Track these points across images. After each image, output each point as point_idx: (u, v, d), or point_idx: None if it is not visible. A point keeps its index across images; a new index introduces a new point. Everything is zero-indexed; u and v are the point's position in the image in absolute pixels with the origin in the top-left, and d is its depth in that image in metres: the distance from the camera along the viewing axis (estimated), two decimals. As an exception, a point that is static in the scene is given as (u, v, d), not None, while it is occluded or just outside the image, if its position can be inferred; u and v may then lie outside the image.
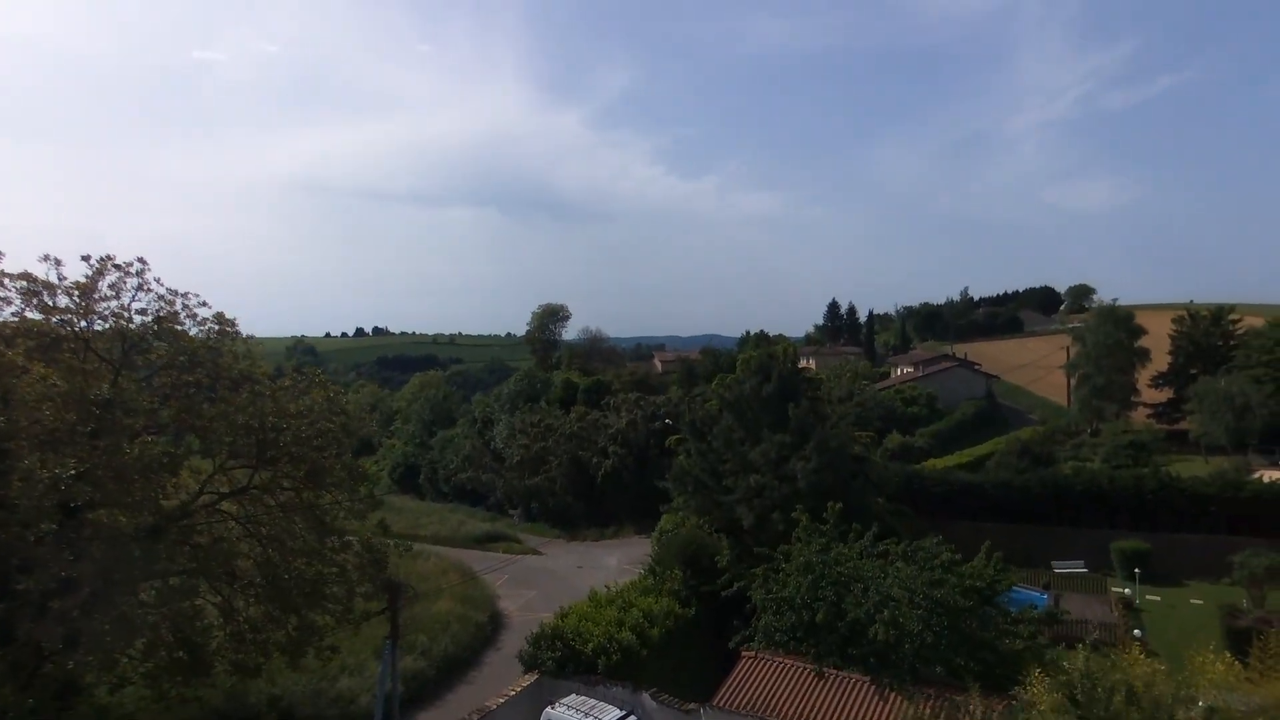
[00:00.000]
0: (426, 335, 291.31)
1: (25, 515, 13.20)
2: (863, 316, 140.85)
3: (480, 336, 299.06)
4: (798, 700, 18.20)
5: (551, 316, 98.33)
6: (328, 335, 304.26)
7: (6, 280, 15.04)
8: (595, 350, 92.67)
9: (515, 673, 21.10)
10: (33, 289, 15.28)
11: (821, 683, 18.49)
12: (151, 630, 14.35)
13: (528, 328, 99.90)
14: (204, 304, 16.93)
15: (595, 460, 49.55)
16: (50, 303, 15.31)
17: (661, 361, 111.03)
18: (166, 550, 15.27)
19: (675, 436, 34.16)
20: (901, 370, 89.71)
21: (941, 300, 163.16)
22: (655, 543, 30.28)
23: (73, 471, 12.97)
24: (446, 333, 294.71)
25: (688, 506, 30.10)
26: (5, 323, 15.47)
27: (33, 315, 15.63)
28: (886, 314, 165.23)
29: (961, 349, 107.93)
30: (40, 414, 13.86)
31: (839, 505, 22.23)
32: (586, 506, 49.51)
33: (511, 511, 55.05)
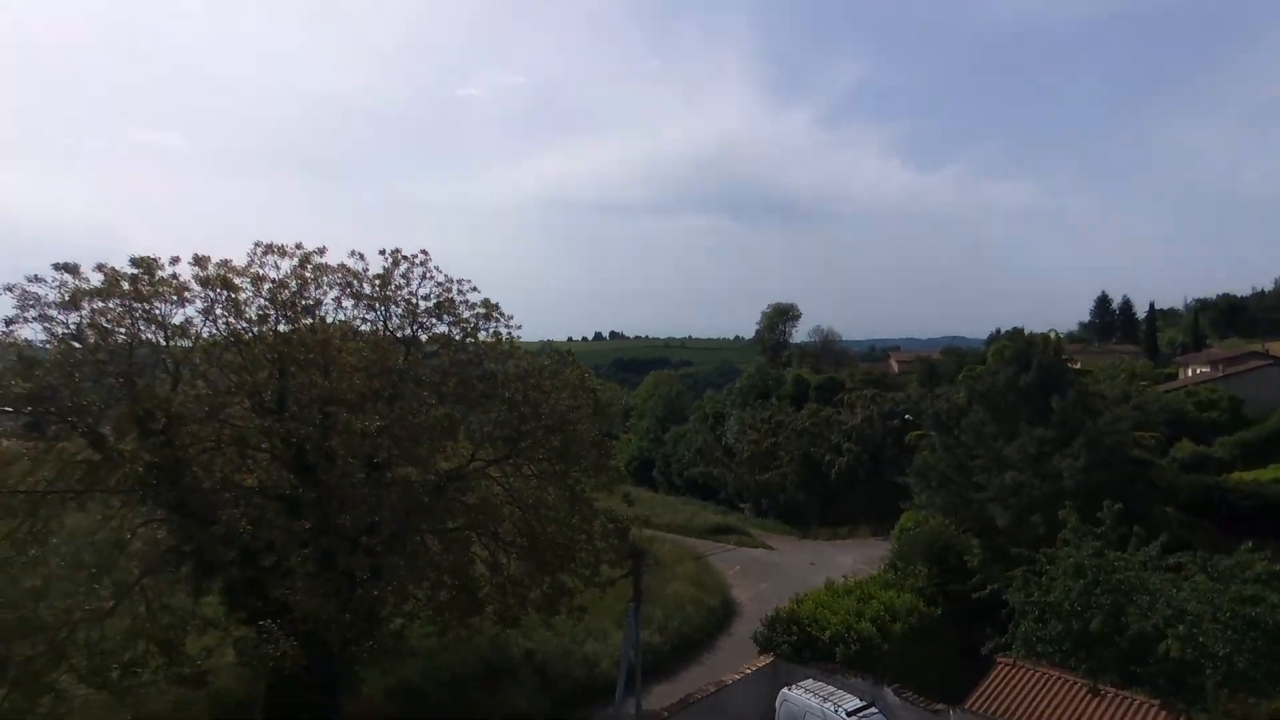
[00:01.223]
0: (659, 339, 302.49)
1: (343, 466, 15.74)
2: (1140, 311, 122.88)
3: (709, 340, 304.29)
4: (1066, 717, 16.32)
5: (782, 316, 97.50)
6: (569, 339, 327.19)
7: (328, 272, 18.02)
8: (826, 350, 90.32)
9: (747, 657, 21.20)
10: (346, 278, 18.14)
11: (1097, 701, 16.40)
12: (435, 571, 16.38)
13: (757, 328, 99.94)
14: (474, 289, 19.01)
15: (828, 457, 48.26)
16: (358, 289, 18.07)
17: (898, 362, 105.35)
18: (446, 505, 17.36)
19: (916, 432, 32.31)
20: (1194, 370, 76.89)
21: (1246, 292, 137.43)
22: (895, 540, 28.80)
23: (377, 424, 15.19)
24: (678, 336, 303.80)
25: (931, 504, 28.27)
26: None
27: (347, 301, 18.58)
28: (1172, 309, 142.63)
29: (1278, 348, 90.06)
30: (353, 381, 16.41)
31: (1117, 506, 19.59)
32: (819, 504, 48.35)
33: (742, 505, 55.32)
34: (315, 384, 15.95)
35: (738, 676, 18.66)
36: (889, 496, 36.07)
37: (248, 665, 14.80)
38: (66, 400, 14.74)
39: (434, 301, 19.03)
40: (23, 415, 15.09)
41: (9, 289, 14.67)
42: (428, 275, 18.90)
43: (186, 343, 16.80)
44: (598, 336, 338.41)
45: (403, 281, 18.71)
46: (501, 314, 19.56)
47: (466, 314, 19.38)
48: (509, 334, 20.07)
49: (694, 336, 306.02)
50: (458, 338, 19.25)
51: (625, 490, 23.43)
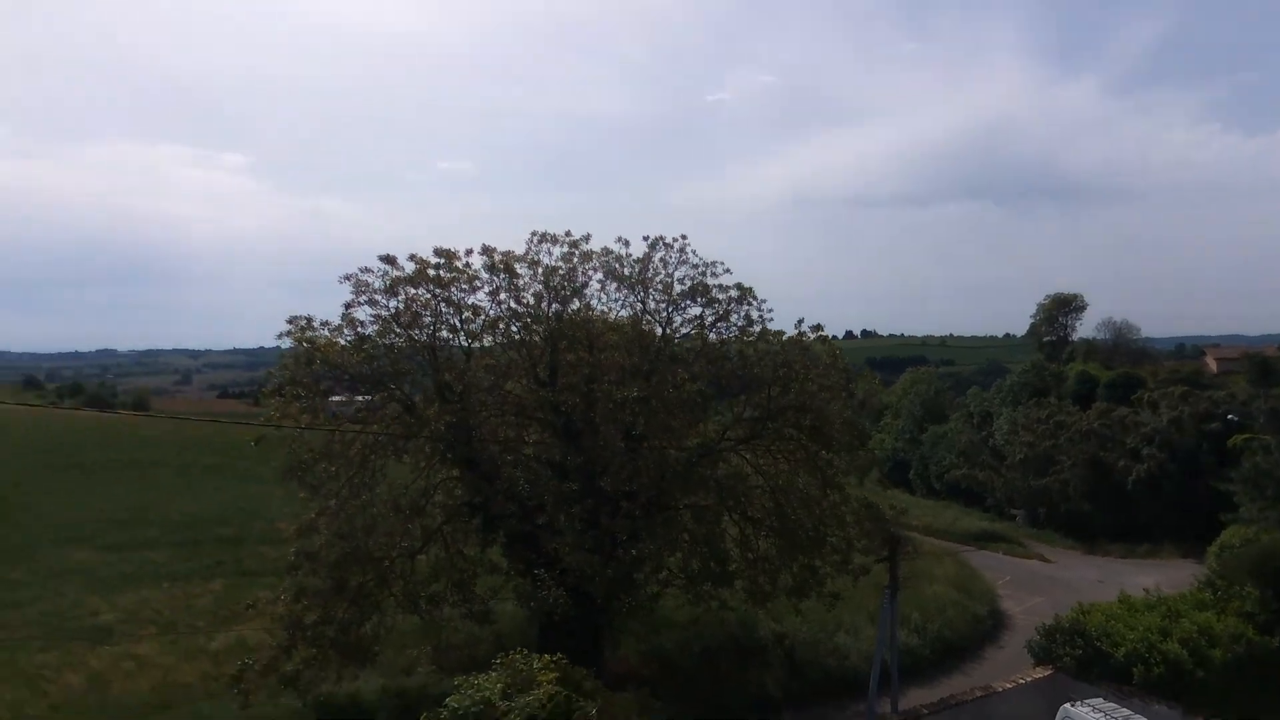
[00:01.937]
0: (915, 337, 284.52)
1: (605, 434, 16.91)
2: None
3: (973, 338, 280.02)
4: None
5: (1062, 308, 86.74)
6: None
7: (593, 258, 19.42)
8: (1120, 345, 78.82)
9: (1018, 670, 19.23)
10: (609, 263, 19.40)
11: None
12: (689, 539, 16.99)
13: (1031, 320, 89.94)
14: (727, 270, 19.35)
15: (1122, 463, 42.08)
16: (619, 272, 19.23)
17: (1217, 360, 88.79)
18: (697, 478, 17.90)
19: (1242, 435, 27.05)
20: None
21: None
22: (1213, 556, 24.36)
23: (634, 394, 16.10)
24: (937, 334, 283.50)
25: (1264, 517, 23.52)
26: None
27: (610, 285, 19.85)
28: None
29: None
30: (614, 357, 17.56)
31: None
32: (1109, 516, 42.35)
33: (1013, 513, 50.25)
34: (581, 359, 17.32)
35: (1009, 685, 17.01)
36: (1202, 510, 30.62)
37: (524, 608, 16.45)
38: (387, 370, 17.53)
39: (689, 285, 19.71)
40: (357, 383, 18.09)
41: (347, 278, 17.77)
42: (684, 259, 19.62)
43: (477, 322, 19.15)
44: (848, 335, 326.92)
45: (660, 266, 19.62)
46: (754, 297, 19.71)
47: (720, 297, 19.82)
48: (761, 317, 20.15)
49: (955, 334, 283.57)
50: (710, 320, 19.77)
51: (878, 476, 22.44)
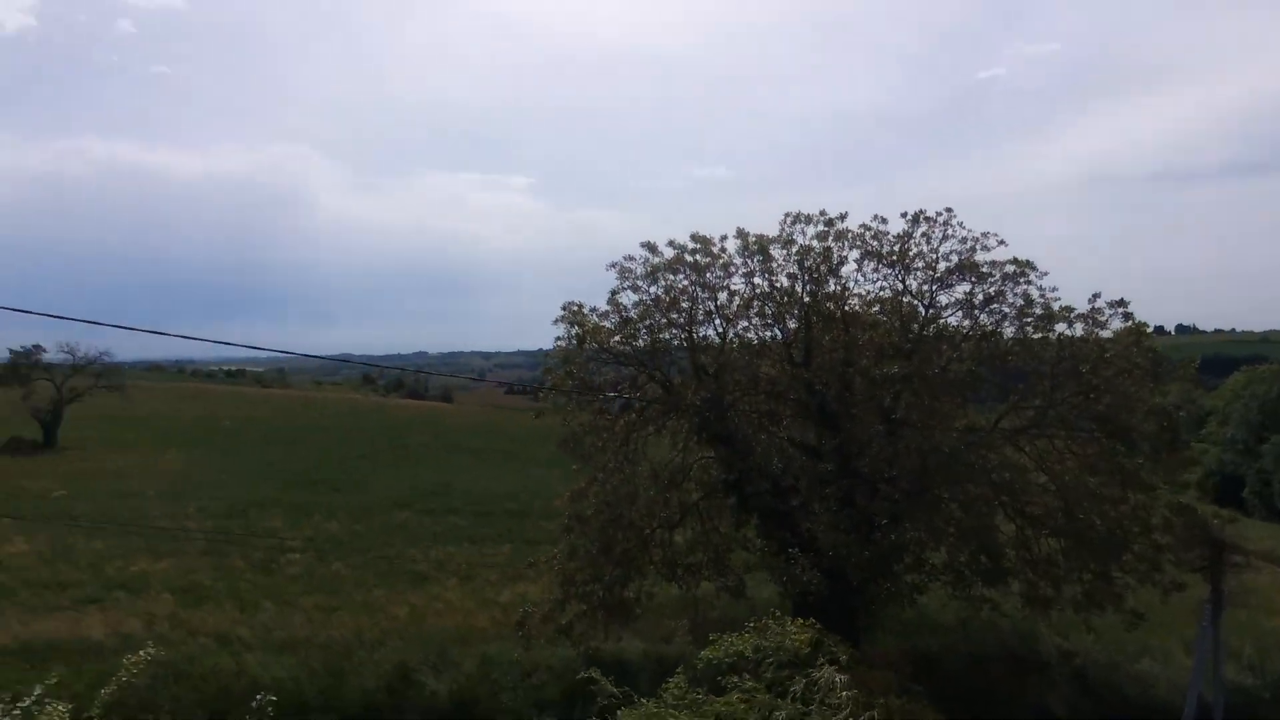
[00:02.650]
0: (1251, 332, 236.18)
1: (861, 415, 16.35)
2: None
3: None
4: None
5: None
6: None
7: (849, 236, 18.86)
8: None
9: None
10: (866, 239, 18.70)
11: None
12: (955, 531, 15.82)
13: None
14: (1001, 242, 17.72)
15: None
16: (877, 249, 18.47)
17: None
18: (965, 467, 16.58)
19: None
20: None
21: None
22: None
23: (894, 370, 15.36)
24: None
25: None
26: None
27: (867, 264, 19.14)
28: None
29: None
30: (872, 335, 16.93)
31: None
32: None
33: (1400, 547, 39.74)
34: (836, 339, 16.92)
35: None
36: None
37: (777, 584, 16.45)
38: (647, 350, 18.57)
39: (955, 261, 18.39)
40: (621, 362, 19.35)
41: (613, 265, 19.11)
42: (949, 234, 18.35)
43: (732, 305, 19.54)
44: (1159, 330, 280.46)
45: (922, 241, 18.52)
46: (1033, 270, 17.83)
47: (992, 273, 18.22)
48: (1044, 297, 18.15)
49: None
50: (980, 298, 18.23)
51: (1196, 479, 19.01)
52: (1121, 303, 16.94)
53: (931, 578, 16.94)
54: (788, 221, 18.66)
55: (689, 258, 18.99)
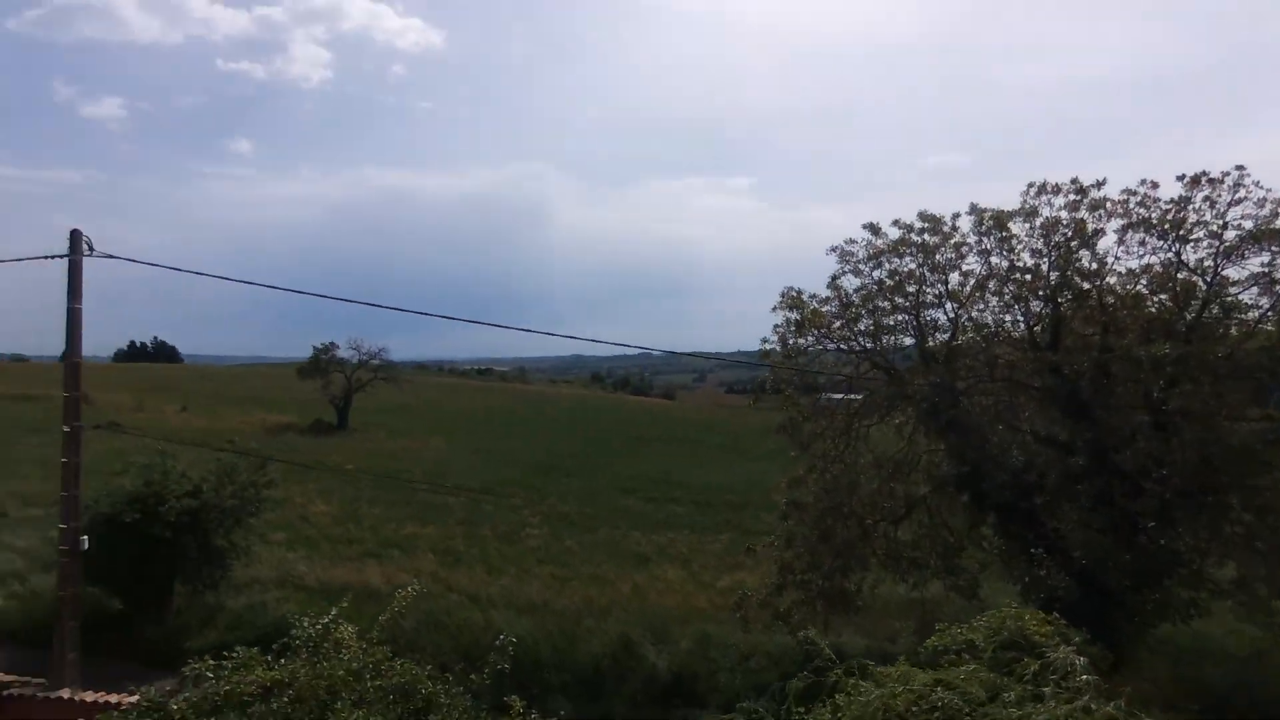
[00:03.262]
0: None
1: (1121, 402, 14.46)
2: None
3: None
4: None
5: None
6: None
7: (1106, 205, 16.75)
8: None
9: None
10: (1130, 207, 16.49)
11: None
12: (1244, 540, 13.48)
13: None
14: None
15: None
16: (1145, 217, 16.20)
17: None
18: (1262, 467, 14.03)
19: None
20: None
21: None
22: None
23: (1166, 352, 13.40)
24: None
25: None
26: None
27: (1132, 235, 16.88)
28: None
29: None
30: (1135, 311, 14.93)
31: None
32: None
33: None
34: (1091, 316, 15.14)
35: None
36: None
37: (1015, 584, 15.05)
38: (870, 335, 17.88)
39: (1250, 228, 15.67)
40: (842, 348, 18.79)
41: (833, 249, 18.64)
42: (1240, 197, 15.68)
43: (965, 288, 18.21)
44: None
45: (1205, 207, 16.00)
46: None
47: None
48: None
49: None
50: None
51: None
52: None
53: (1215, 596, 14.53)
54: (1031, 193, 16.99)
55: (916, 238, 18.01)
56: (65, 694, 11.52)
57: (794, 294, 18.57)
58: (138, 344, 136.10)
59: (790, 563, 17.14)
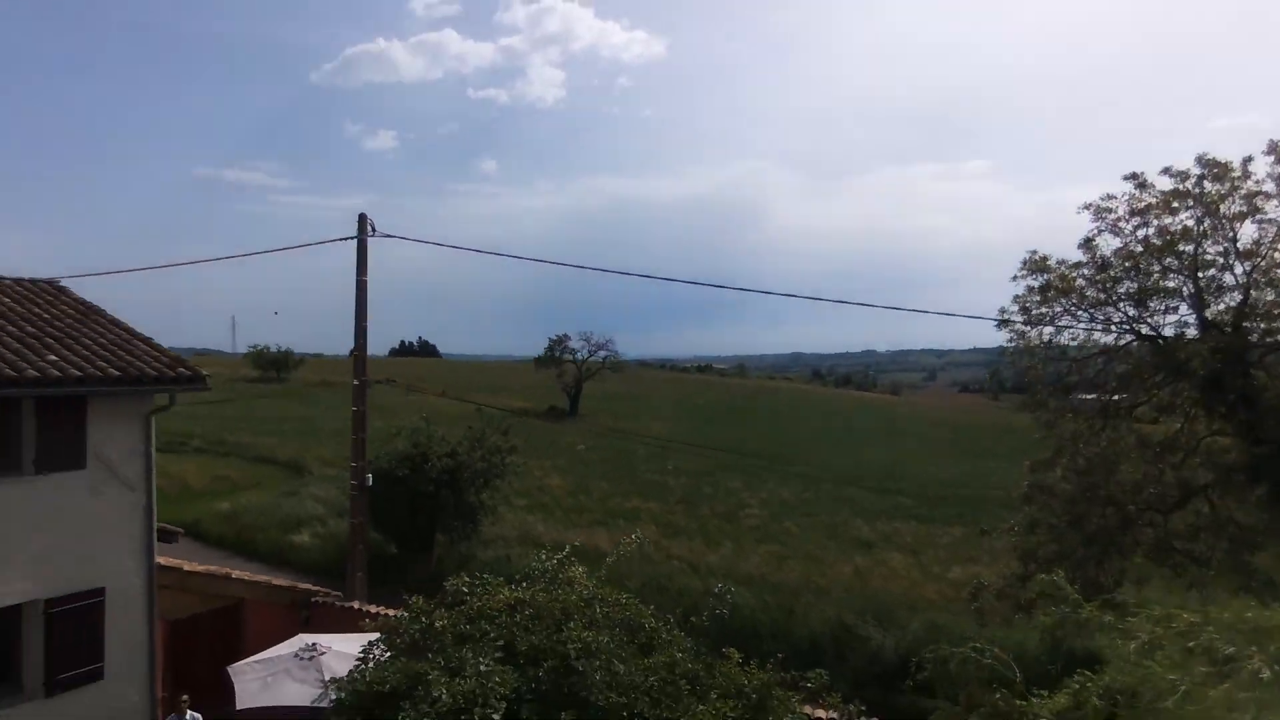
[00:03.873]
0: None
1: None
2: None
3: None
4: None
5: None
6: None
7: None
8: None
9: None
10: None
11: None
12: None
13: None
14: None
15: None
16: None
17: None
18: None
19: None
20: None
21: None
22: None
23: None
24: None
25: None
26: None
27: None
28: None
29: None
30: None
31: None
32: None
33: None
34: None
35: None
36: None
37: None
38: (1133, 299, 15.79)
39: None
40: (1096, 316, 16.77)
41: (1086, 207, 16.69)
42: None
43: (1266, 239, 15.50)
44: None
45: None
46: None
47: None
48: None
49: None
50: None
51: None
52: None
53: None
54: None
55: (1194, 188, 15.62)
56: (355, 604, 13.64)
57: (1038, 258, 16.92)
58: (405, 343, 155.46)
59: (1033, 550, 15.66)
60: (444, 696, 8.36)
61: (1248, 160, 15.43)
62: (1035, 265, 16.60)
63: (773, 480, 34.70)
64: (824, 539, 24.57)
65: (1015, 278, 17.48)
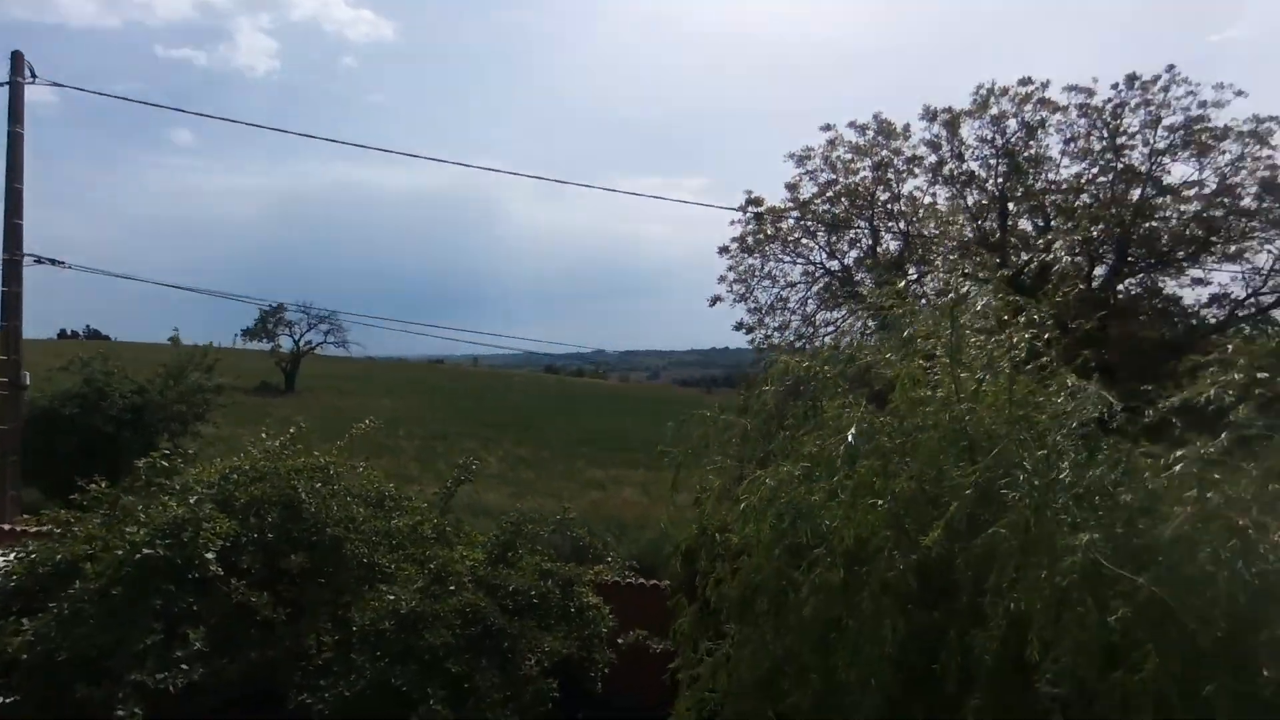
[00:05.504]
0: None
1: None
2: None
3: None
4: None
5: None
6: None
7: (1049, 106, 17.40)
8: None
9: None
10: (1071, 107, 17.10)
11: None
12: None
13: None
14: (1240, 93, 15.66)
15: None
16: (1077, 122, 16.87)
17: None
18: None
19: None
20: None
21: None
22: None
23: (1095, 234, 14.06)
24: None
25: None
26: None
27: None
28: None
29: None
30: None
31: None
32: None
33: None
34: (1038, 207, 15.81)
35: None
36: None
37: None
38: (824, 236, 18.29)
39: (1178, 134, 16.50)
40: (799, 245, 19.21)
41: (791, 155, 19.06)
42: (1166, 102, 16.48)
43: (915, 205, 18.82)
44: None
45: (1141, 110, 16.77)
46: (1278, 126, 15.63)
47: (1224, 146, 16.18)
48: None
49: None
50: (1205, 176, 16.29)
51: None
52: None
53: None
54: (981, 92, 17.54)
55: (869, 143, 18.53)
56: (5, 527, 11.13)
57: (755, 196, 18.95)
58: (70, 331, 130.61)
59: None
60: (139, 535, 7.19)
61: (907, 126, 18.65)
62: (752, 201, 18.59)
63: (509, 443, 34.68)
64: (560, 481, 25.10)
65: (733, 222, 19.48)
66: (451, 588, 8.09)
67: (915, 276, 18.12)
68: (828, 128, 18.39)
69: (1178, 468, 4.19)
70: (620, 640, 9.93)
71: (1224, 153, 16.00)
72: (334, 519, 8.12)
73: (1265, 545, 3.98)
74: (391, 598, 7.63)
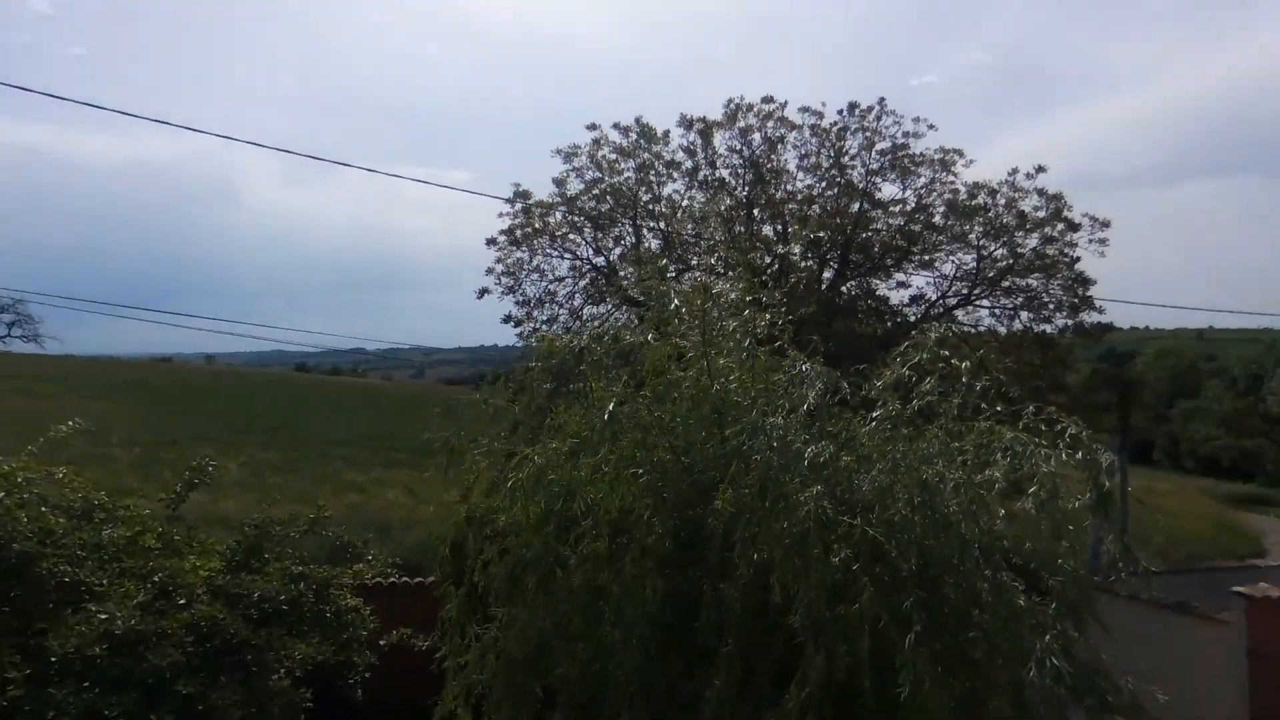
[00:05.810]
0: (1163, 330, 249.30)
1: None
2: None
3: (1240, 330, 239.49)
4: None
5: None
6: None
7: (788, 125, 19.33)
8: None
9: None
10: (804, 128, 19.18)
11: None
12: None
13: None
14: (932, 127, 18.47)
15: None
16: (809, 143, 19.02)
17: None
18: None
19: None
20: None
21: None
22: None
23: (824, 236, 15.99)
24: (1191, 326, 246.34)
25: None
26: None
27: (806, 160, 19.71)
28: None
29: None
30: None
31: None
32: None
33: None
34: (778, 214, 17.54)
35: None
36: None
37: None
38: (593, 223, 18.82)
39: (887, 160, 19.11)
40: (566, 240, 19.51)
41: (558, 151, 19.30)
42: (880, 132, 19.00)
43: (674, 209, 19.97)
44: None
45: (858, 136, 19.16)
46: (960, 158, 18.72)
47: (921, 171, 19.02)
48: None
49: (1216, 327, 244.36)
50: (906, 195, 19.08)
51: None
52: (1041, 169, 17.97)
53: None
54: (731, 107, 19.01)
55: (632, 146, 19.31)
56: None
57: (523, 190, 18.95)
58: None
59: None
60: None
61: (667, 132, 19.71)
62: (520, 194, 18.59)
63: (252, 446, 31.43)
64: (315, 485, 23.29)
65: (501, 214, 19.34)
66: (182, 601, 7.23)
67: (674, 275, 19.24)
68: (593, 127, 18.97)
69: (873, 424, 4.90)
70: (383, 641, 9.49)
71: (920, 176, 18.87)
72: (23, 533, 6.88)
73: (945, 493, 4.81)
74: (104, 617, 6.63)
